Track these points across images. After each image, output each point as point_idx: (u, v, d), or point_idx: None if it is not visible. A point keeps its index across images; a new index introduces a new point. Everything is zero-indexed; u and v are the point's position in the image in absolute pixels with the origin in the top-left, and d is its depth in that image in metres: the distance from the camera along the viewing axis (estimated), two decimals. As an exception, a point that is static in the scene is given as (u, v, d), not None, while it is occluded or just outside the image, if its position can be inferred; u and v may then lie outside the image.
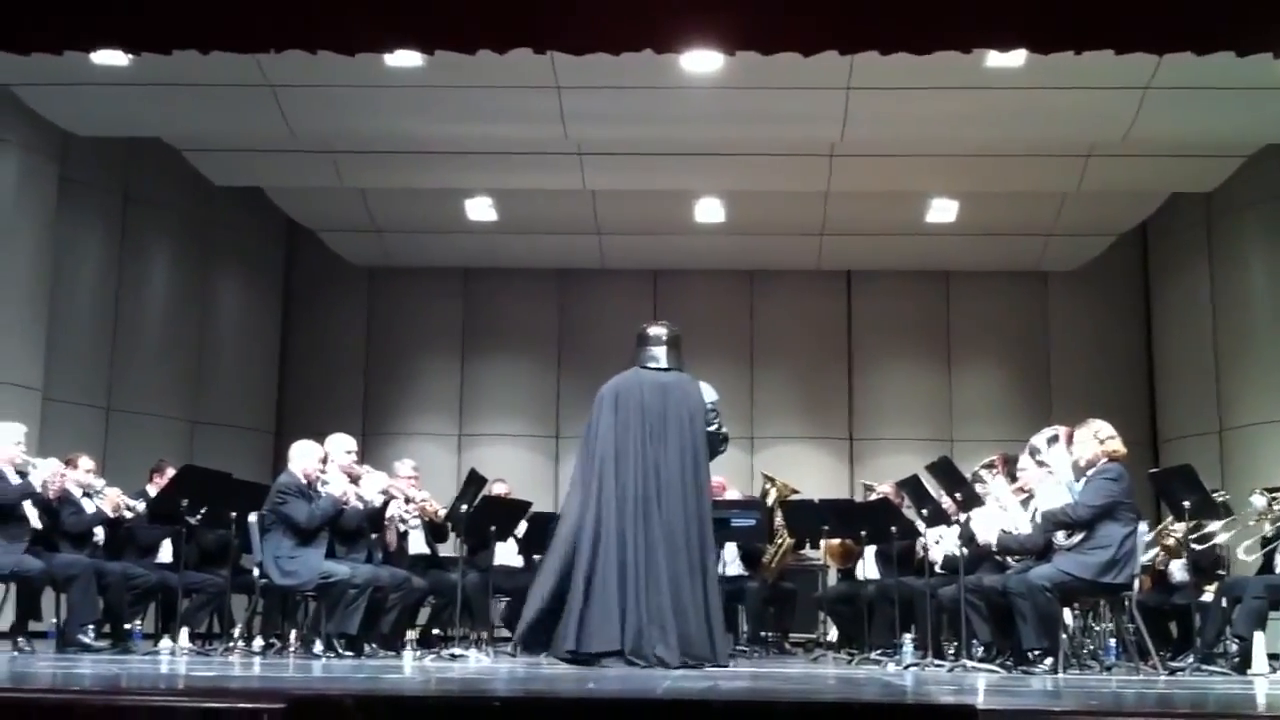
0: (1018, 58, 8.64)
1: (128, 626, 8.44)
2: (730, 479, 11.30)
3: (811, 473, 12.76)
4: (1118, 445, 7.04)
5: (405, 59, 8.96)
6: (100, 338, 11.67)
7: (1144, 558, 7.55)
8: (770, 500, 10.41)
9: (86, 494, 8.30)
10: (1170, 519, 8.48)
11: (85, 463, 8.46)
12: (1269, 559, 7.91)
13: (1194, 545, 8.03)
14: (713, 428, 7.24)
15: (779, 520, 10.18)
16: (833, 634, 10.13)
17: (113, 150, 11.63)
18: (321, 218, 13.26)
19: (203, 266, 12.84)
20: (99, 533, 8.39)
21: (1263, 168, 11.41)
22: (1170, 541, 8.53)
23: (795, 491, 10.50)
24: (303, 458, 7.97)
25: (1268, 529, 8.05)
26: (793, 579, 10.74)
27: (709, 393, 7.30)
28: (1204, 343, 12.44)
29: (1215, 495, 8.01)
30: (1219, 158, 11.37)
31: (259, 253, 13.60)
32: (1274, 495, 7.96)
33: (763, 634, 10.08)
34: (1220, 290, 12.32)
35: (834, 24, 6.07)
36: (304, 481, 7.85)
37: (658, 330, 7.45)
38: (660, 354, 7.33)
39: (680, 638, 6.69)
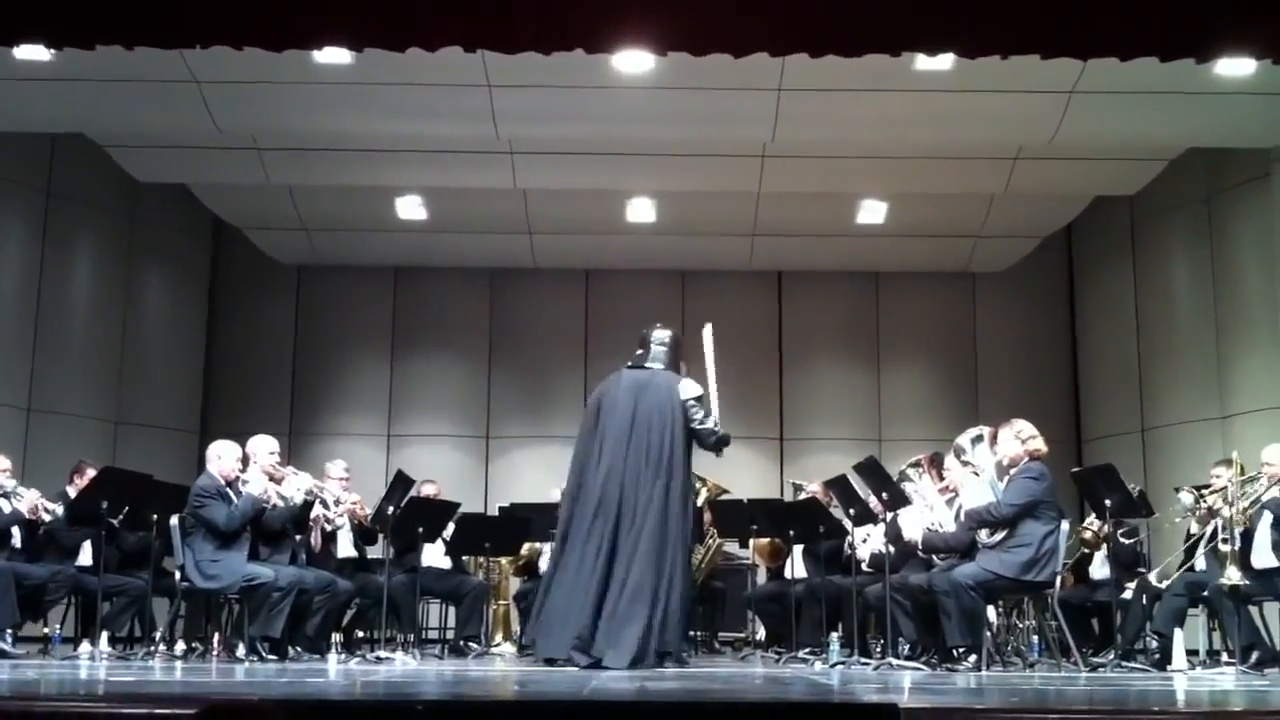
0: (946, 61, 8.73)
1: (47, 630, 8.29)
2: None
3: (742, 473, 12.78)
4: (1039, 444, 7.14)
5: (334, 55, 8.87)
6: (21, 336, 11.44)
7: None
8: (700, 500, 10.42)
9: (2, 495, 8.14)
10: (1092, 517, 8.60)
11: (1, 462, 8.29)
12: (1189, 556, 8.04)
13: (1121, 539, 8.15)
14: (695, 423, 7.19)
15: (709, 520, 10.20)
16: (761, 633, 10.18)
17: (35, 146, 11.42)
18: (248, 215, 13.10)
19: (127, 264, 12.64)
20: (15, 535, 8.22)
21: (1185, 171, 11.61)
22: (1088, 535, 8.64)
23: (725, 491, 10.53)
24: (220, 459, 7.86)
25: (1194, 527, 8.18)
26: (722, 578, 10.77)
27: (690, 389, 7.30)
28: (1127, 343, 12.65)
29: (1136, 494, 8.13)
30: (1143, 161, 11.54)
31: (185, 251, 13.41)
32: (1200, 493, 8.08)
33: (692, 633, 10.09)
34: (1143, 292, 12.53)
35: (765, 26, 6.10)
36: (222, 483, 7.75)
37: (651, 332, 7.52)
38: (650, 355, 7.39)
39: (632, 639, 6.65)
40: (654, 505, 6.93)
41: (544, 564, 10.20)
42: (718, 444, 7.37)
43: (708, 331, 7.83)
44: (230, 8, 6.06)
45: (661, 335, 7.48)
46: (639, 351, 7.47)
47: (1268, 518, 7.44)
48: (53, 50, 8.11)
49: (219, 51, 6.42)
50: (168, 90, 9.79)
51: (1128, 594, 8.26)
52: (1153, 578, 8.09)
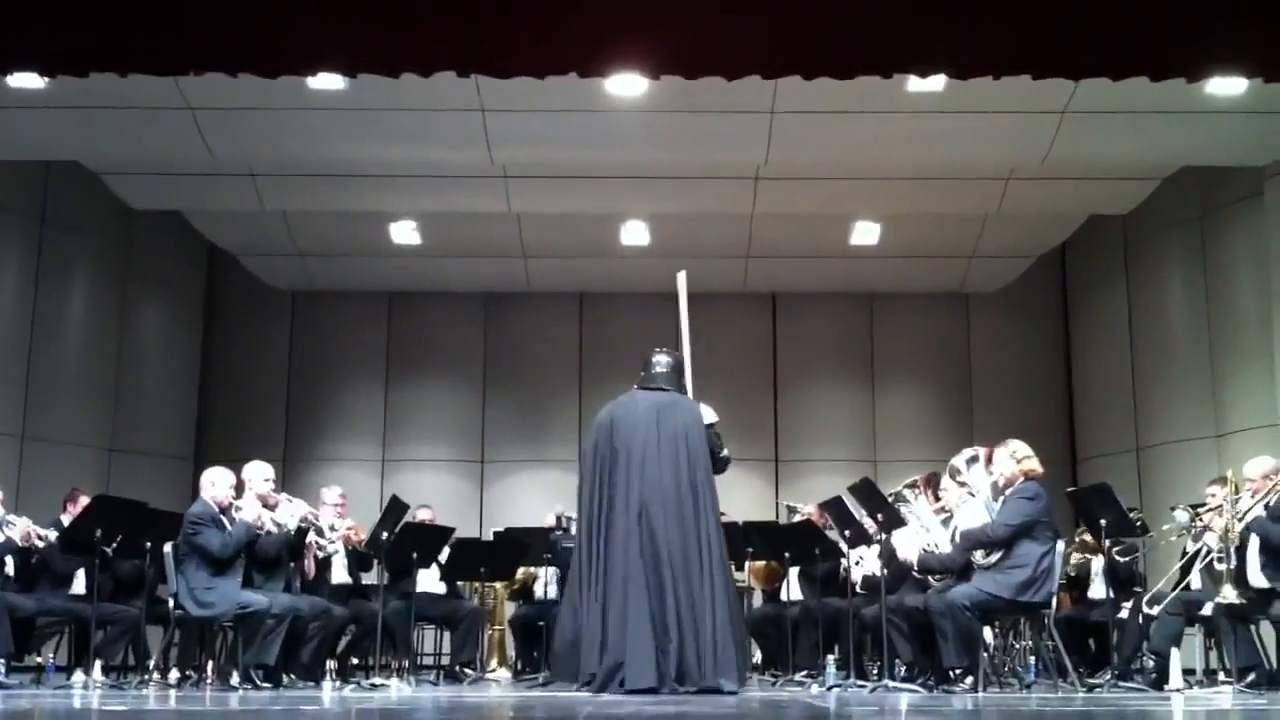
0: (938, 82, 8.75)
1: (40, 660, 8.25)
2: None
3: (738, 494, 12.71)
4: (1034, 465, 7.13)
5: (328, 81, 8.86)
6: (15, 364, 11.42)
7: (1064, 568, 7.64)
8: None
9: (-5, 523, 8.11)
10: (1082, 529, 8.59)
11: (-8, 492, 8.27)
12: (1184, 575, 8.02)
13: (1117, 557, 8.12)
14: (718, 450, 7.21)
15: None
16: (757, 656, 10.14)
17: (29, 173, 11.42)
18: (243, 241, 13.11)
19: (121, 291, 12.63)
20: (9, 563, 8.19)
21: (1178, 190, 11.63)
22: (1087, 537, 8.60)
23: (721, 514, 10.48)
24: (214, 485, 7.82)
25: (1189, 545, 8.17)
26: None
27: (709, 414, 7.30)
28: (1122, 362, 12.65)
29: (1131, 514, 8.12)
30: (1135, 180, 11.58)
31: (179, 277, 13.41)
32: (1196, 512, 8.06)
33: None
34: (1137, 310, 12.54)
35: (758, 48, 6.12)
36: (217, 510, 7.72)
37: (656, 356, 7.46)
38: (658, 377, 7.34)
39: (684, 663, 6.54)
40: (686, 524, 6.85)
41: (541, 589, 10.19)
42: (724, 468, 7.37)
43: (682, 278, 7.77)
44: (224, 34, 6.08)
45: (667, 359, 7.46)
46: (647, 373, 7.42)
47: (1255, 540, 7.41)
48: (47, 78, 8.11)
49: (213, 78, 6.45)
50: (162, 117, 9.81)
51: (1124, 613, 8.24)
52: (1144, 602, 8.07)
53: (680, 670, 6.52)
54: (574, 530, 7.54)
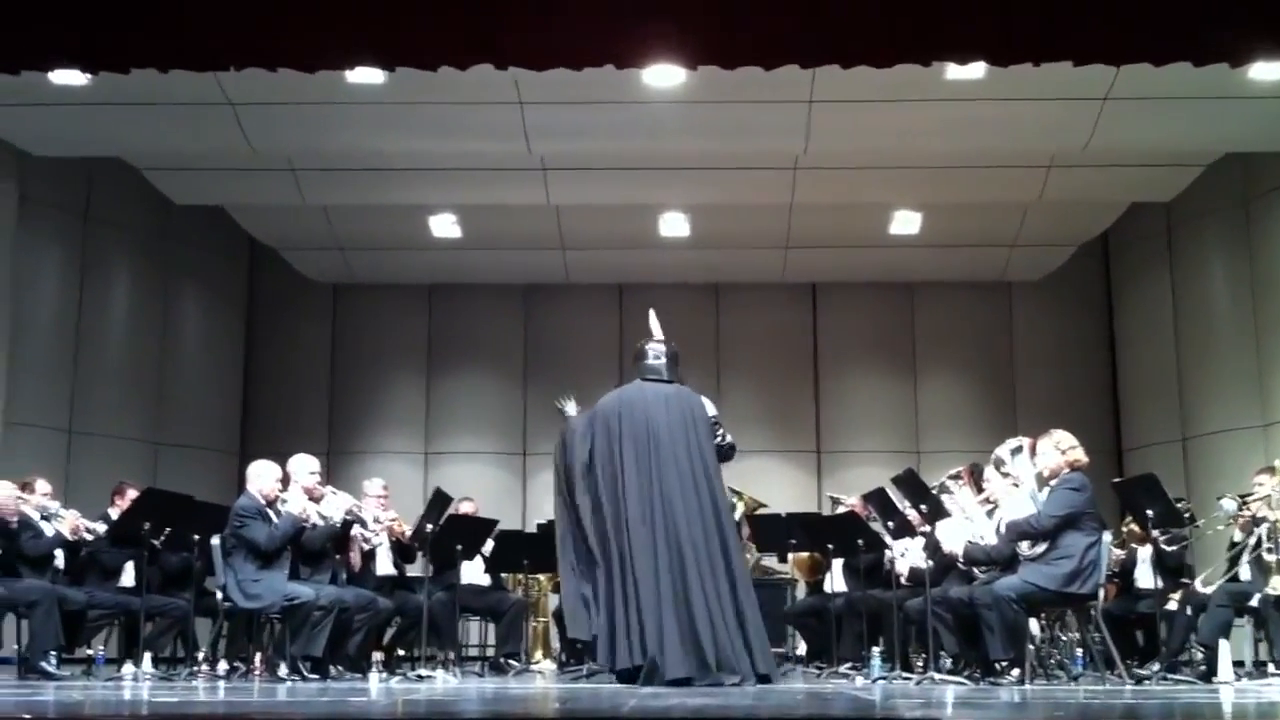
0: (978, 70, 8.70)
1: (90, 652, 8.34)
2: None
3: (779, 486, 12.76)
4: (1080, 455, 7.07)
5: (366, 75, 8.91)
6: (61, 359, 11.55)
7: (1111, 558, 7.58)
8: (738, 514, 10.40)
9: (45, 517, 8.20)
10: (1128, 520, 8.53)
11: (42, 486, 8.35)
12: (1233, 565, 7.94)
13: (1164, 547, 8.06)
14: (718, 440, 7.19)
15: (746, 534, 10.16)
16: (801, 648, 10.13)
17: (72, 169, 11.52)
18: (284, 236, 13.19)
19: (164, 286, 12.74)
20: (59, 557, 8.29)
21: (1221, 177, 11.51)
22: (1133, 527, 8.54)
23: (763, 505, 10.49)
24: (260, 478, 7.88)
25: (1237, 535, 8.08)
26: (760, 593, 10.70)
27: (710, 407, 7.30)
28: (1166, 351, 12.54)
29: (1179, 504, 8.05)
30: (1178, 167, 11.45)
31: (221, 272, 13.51)
32: (1244, 500, 7.98)
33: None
34: (1181, 299, 12.42)
35: (796, 37, 6.09)
36: (263, 502, 7.77)
37: (657, 346, 7.42)
38: (661, 368, 7.32)
39: (707, 652, 6.53)
40: (706, 515, 6.86)
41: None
42: (731, 455, 7.37)
43: (652, 314, 7.78)
44: (263, 30, 6.12)
45: (664, 349, 7.42)
46: (646, 364, 7.38)
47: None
48: (88, 75, 8.18)
49: (253, 73, 6.48)
50: (202, 113, 9.87)
51: (1172, 605, 8.17)
52: (1198, 584, 8.01)
53: (719, 659, 6.52)
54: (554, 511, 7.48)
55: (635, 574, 6.76)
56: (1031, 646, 7.16)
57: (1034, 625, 7.55)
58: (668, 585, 6.68)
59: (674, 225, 12.41)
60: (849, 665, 8.38)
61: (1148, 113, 9.84)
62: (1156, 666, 7.57)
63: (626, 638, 6.68)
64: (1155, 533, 7.72)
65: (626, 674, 6.65)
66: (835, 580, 9.30)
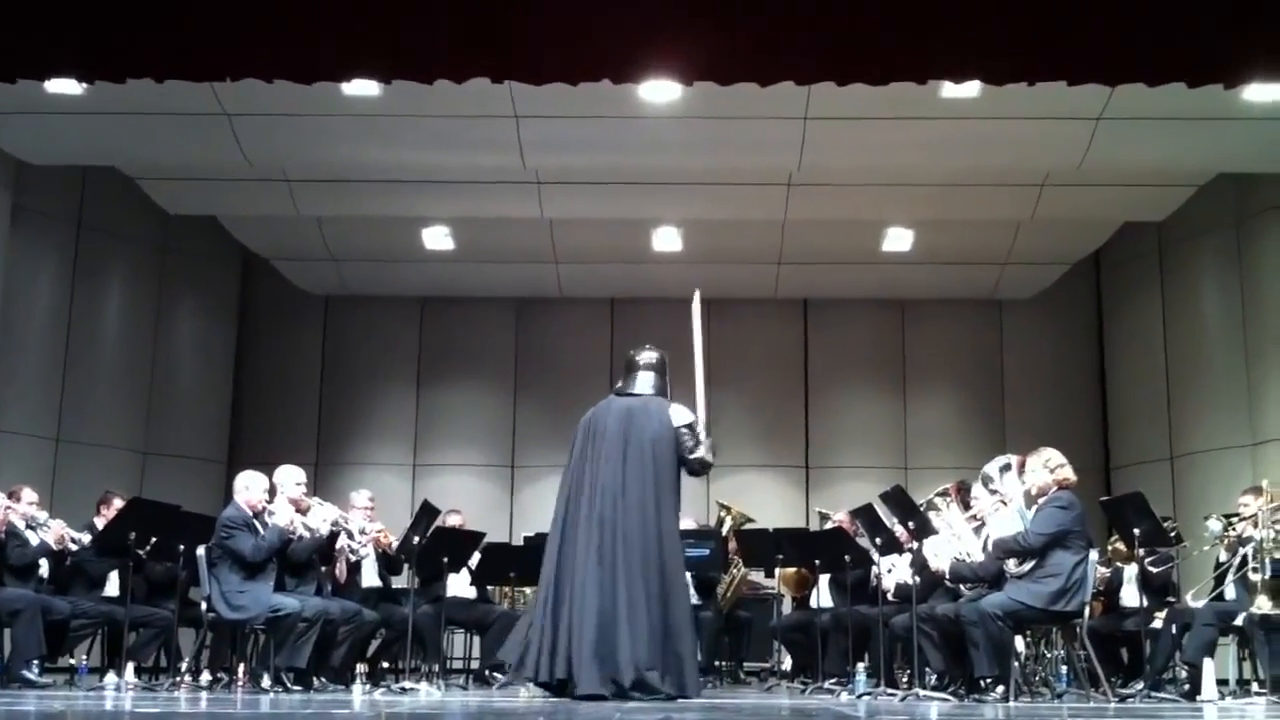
0: (972, 88, 8.73)
1: (73, 662, 8.31)
2: (686, 508, 11.25)
3: (768, 501, 12.76)
4: (1068, 473, 7.07)
5: (362, 88, 8.93)
6: (51, 368, 11.53)
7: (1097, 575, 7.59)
8: (725, 529, 10.40)
9: (30, 526, 8.18)
10: (1114, 538, 8.54)
11: (28, 495, 8.32)
12: (1218, 585, 7.95)
13: (1149, 568, 8.07)
14: (686, 451, 6.98)
15: (733, 549, 10.16)
16: (787, 663, 10.11)
17: (67, 178, 11.53)
18: (277, 246, 13.18)
19: (157, 296, 12.73)
20: (44, 566, 8.27)
21: (1214, 197, 11.54)
22: (1119, 545, 8.55)
23: (750, 520, 10.49)
24: (248, 489, 7.86)
25: (1222, 555, 8.10)
26: (747, 608, 10.72)
27: (682, 415, 7.10)
28: (1156, 370, 12.56)
29: (1166, 523, 8.06)
30: (1171, 187, 11.48)
31: (214, 282, 13.49)
32: (1230, 521, 8.00)
33: (717, 663, 10.05)
34: (1172, 318, 12.45)
35: (791, 54, 6.11)
36: (249, 514, 7.76)
37: (638, 355, 7.35)
38: (636, 379, 7.25)
39: (624, 671, 6.49)
40: (649, 530, 6.76)
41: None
42: (701, 470, 7.13)
43: (696, 300, 7.57)
44: (259, 41, 6.13)
45: (649, 358, 7.36)
46: (626, 376, 7.36)
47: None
48: (84, 85, 8.20)
49: (249, 84, 6.49)
50: (198, 123, 9.88)
51: (1157, 623, 8.18)
52: (1188, 599, 8.03)
53: (636, 678, 6.47)
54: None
55: (564, 588, 6.74)
56: (1016, 664, 7.16)
57: (1019, 643, 7.55)
58: (594, 600, 6.62)
59: (667, 240, 12.42)
60: (834, 681, 8.37)
61: (1141, 132, 9.87)
62: (1141, 685, 7.57)
63: (549, 653, 6.64)
64: (1140, 552, 7.72)
65: (545, 685, 6.65)
66: (822, 596, 9.30)
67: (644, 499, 6.86)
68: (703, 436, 7.08)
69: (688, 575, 9.72)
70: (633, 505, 6.83)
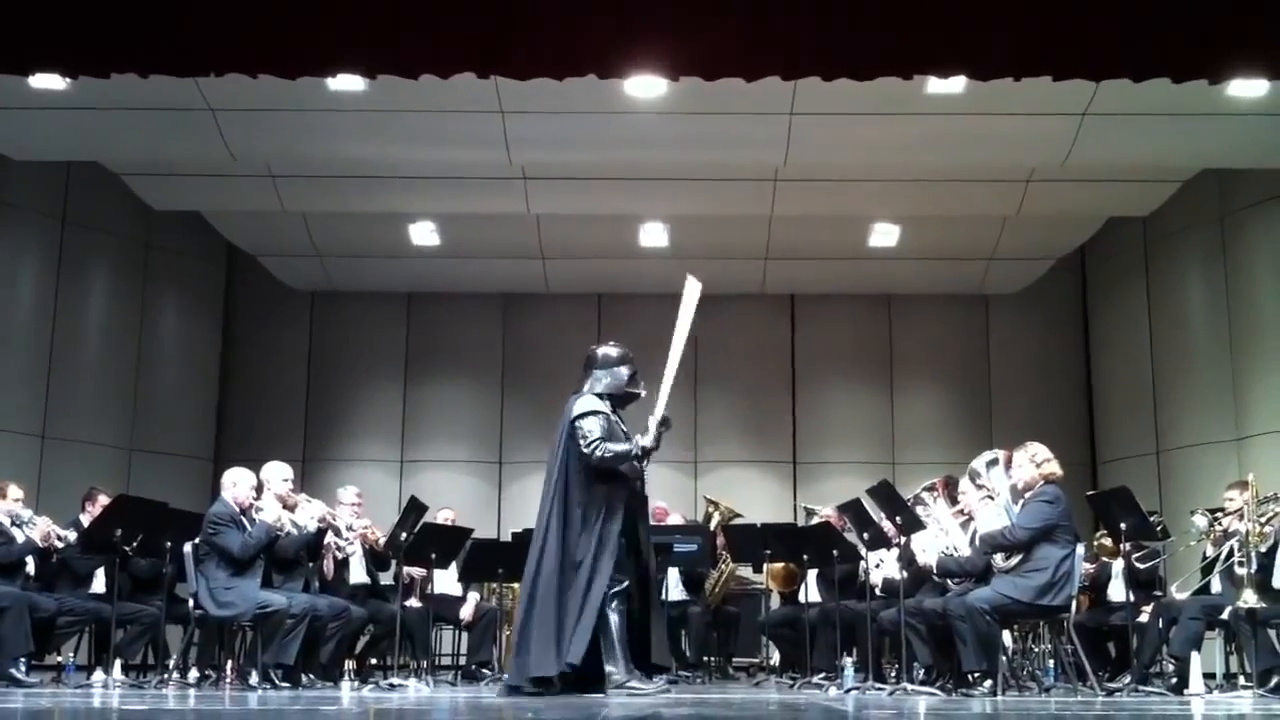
0: (958, 84, 8.74)
1: (60, 659, 8.28)
2: (673, 503, 11.29)
3: (755, 496, 12.76)
4: (1054, 468, 7.09)
5: (347, 83, 8.89)
6: (36, 364, 11.49)
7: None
8: (713, 524, 10.41)
9: (15, 524, 8.14)
10: (1101, 532, 8.57)
11: (14, 491, 8.28)
12: (1204, 578, 7.98)
13: (1136, 564, 8.10)
14: (581, 444, 6.78)
15: (721, 544, 10.17)
16: (775, 658, 10.13)
17: (50, 174, 11.48)
18: (262, 242, 13.15)
19: (142, 291, 12.68)
20: (29, 563, 8.23)
21: (1198, 192, 11.59)
22: (1106, 540, 8.58)
23: (738, 515, 10.50)
24: (235, 486, 7.84)
25: (1209, 550, 8.13)
26: (735, 603, 10.72)
27: (580, 405, 6.99)
28: (1141, 365, 12.60)
29: (1152, 518, 8.09)
30: (1156, 182, 11.53)
31: (199, 278, 13.45)
32: (1215, 516, 8.03)
33: (706, 658, 10.06)
34: (1157, 313, 12.49)
35: (777, 50, 6.12)
36: (237, 510, 7.74)
37: (590, 351, 7.34)
38: (585, 377, 7.24)
39: (535, 661, 6.47)
40: (555, 526, 6.74)
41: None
42: (599, 464, 6.81)
43: (691, 283, 7.41)
44: (244, 36, 6.11)
45: (588, 353, 7.39)
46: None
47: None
48: (68, 80, 8.16)
49: (233, 79, 6.49)
50: (183, 118, 9.85)
51: (1144, 617, 8.21)
52: (1174, 590, 8.06)
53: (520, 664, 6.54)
54: None
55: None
56: (1004, 658, 7.17)
57: (1007, 637, 7.57)
58: (525, 596, 6.73)
59: (653, 235, 12.42)
60: (822, 675, 8.39)
61: (1126, 128, 9.90)
62: (1128, 678, 7.60)
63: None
64: (1126, 546, 7.75)
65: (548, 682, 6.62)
66: (810, 591, 9.30)
67: (545, 496, 6.92)
68: (651, 424, 6.96)
69: (676, 571, 9.81)
70: (550, 498, 6.86)
